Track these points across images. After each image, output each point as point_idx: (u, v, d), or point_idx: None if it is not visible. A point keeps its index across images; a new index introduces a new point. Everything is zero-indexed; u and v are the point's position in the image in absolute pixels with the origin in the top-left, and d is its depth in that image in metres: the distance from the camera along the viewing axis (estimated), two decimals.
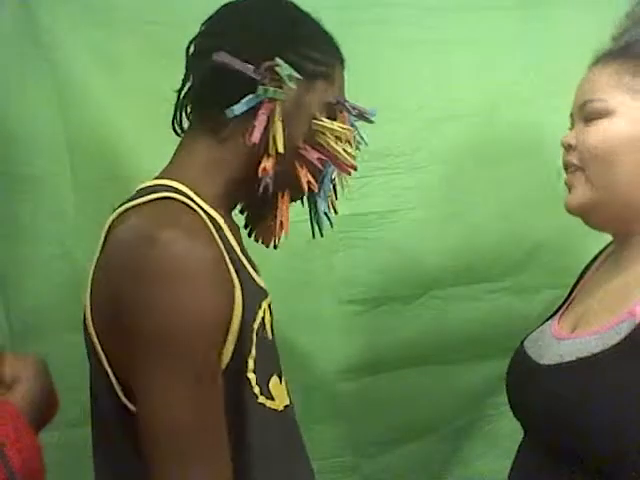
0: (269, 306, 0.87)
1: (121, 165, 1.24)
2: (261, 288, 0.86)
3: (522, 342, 0.95)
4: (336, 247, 1.33)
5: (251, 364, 0.78)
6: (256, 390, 0.80)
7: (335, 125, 0.86)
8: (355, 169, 0.89)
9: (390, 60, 1.24)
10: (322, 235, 0.94)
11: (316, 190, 0.89)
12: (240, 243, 0.86)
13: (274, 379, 0.84)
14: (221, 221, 0.81)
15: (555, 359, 0.83)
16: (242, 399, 0.78)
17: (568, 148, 0.85)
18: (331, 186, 0.93)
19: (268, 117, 0.82)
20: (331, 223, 0.94)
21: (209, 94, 0.85)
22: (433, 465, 1.48)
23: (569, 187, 0.86)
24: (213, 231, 0.76)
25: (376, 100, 1.22)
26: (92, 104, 1.21)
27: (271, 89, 0.81)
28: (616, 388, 0.75)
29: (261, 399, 0.81)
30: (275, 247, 0.93)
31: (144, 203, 0.77)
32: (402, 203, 1.31)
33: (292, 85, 0.81)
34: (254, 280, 0.84)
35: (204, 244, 0.73)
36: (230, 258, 0.78)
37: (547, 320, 0.95)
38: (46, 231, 1.23)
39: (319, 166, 0.86)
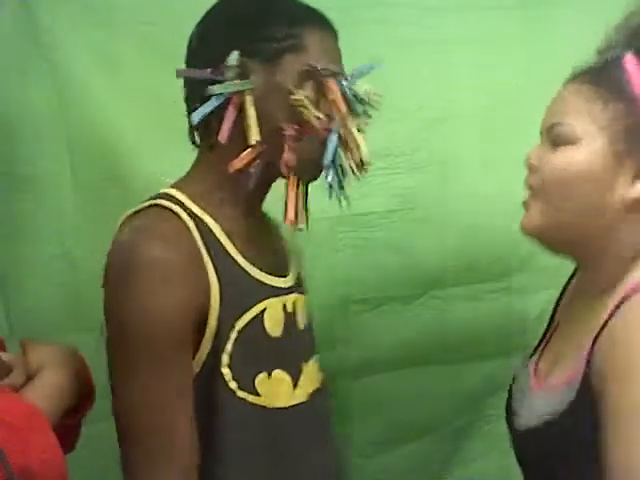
0: (285, 305, 0.92)
1: (121, 165, 1.24)
2: (267, 286, 0.90)
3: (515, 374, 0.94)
4: (336, 247, 1.33)
5: (225, 359, 0.84)
6: (232, 385, 0.84)
7: (310, 92, 0.86)
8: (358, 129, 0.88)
9: (390, 60, 1.24)
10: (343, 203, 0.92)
11: (325, 163, 0.87)
12: (246, 242, 0.89)
13: (262, 376, 0.88)
14: (212, 224, 0.86)
15: (529, 420, 0.83)
16: (216, 393, 0.84)
17: (531, 168, 0.83)
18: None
19: (240, 111, 0.85)
20: (340, 199, 0.92)
21: (189, 108, 0.90)
22: (433, 465, 1.48)
23: (525, 208, 0.84)
24: (194, 234, 0.83)
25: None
26: (92, 104, 1.21)
27: (229, 83, 0.84)
28: (576, 452, 0.77)
29: (241, 394, 0.85)
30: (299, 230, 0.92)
31: (138, 210, 0.87)
32: (402, 203, 1.31)
33: (255, 71, 0.84)
34: (255, 279, 0.88)
35: (168, 247, 0.80)
36: (214, 258, 0.84)
37: (534, 352, 0.94)
38: (46, 231, 1.23)
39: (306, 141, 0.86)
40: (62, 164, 1.22)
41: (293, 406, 0.92)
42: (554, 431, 0.79)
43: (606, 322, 0.73)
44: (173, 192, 0.89)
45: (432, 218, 1.33)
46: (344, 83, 0.88)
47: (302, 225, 0.91)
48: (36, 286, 1.23)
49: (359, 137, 0.88)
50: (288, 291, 0.94)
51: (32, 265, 1.23)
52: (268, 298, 0.90)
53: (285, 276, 0.95)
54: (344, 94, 0.87)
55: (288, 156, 0.85)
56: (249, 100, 0.84)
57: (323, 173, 0.89)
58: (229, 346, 0.84)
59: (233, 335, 0.85)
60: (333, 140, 0.87)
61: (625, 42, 0.78)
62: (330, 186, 0.89)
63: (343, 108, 0.86)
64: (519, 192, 0.94)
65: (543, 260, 1.38)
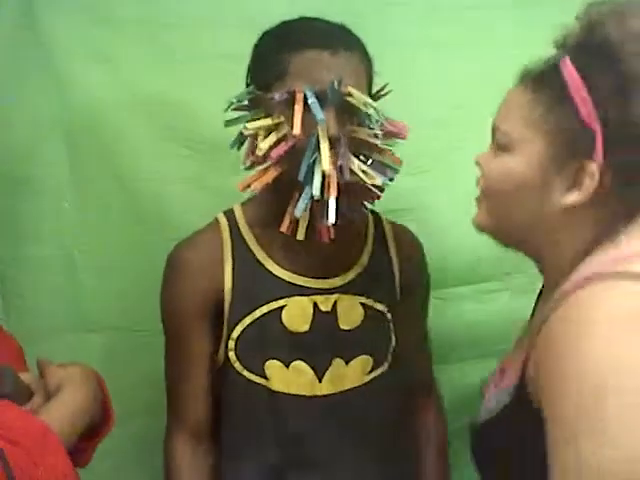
0: (317, 303, 1.03)
1: (121, 165, 1.24)
2: (294, 286, 1.02)
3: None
4: None
5: (231, 344, 1.03)
6: (237, 365, 1.03)
7: (255, 124, 0.93)
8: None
9: (389, 60, 1.24)
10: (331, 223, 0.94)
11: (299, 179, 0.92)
12: (282, 248, 1.03)
13: (275, 363, 1.02)
14: (246, 232, 1.05)
15: (477, 418, 0.84)
16: (227, 373, 1.05)
17: (478, 168, 0.84)
18: (318, 175, 0.91)
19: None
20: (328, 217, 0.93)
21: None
22: None
23: (477, 204, 0.85)
24: (226, 241, 1.03)
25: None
26: (92, 104, 1.21)
27: (244, 114, 0.97)
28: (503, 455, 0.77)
29: (247, 374, 1.03)
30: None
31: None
32: (402, 203, 1.31)
33: (261, 100, 0.93)
34: (279, 278, 1.03)
35: (191, 250, 1.03)
36: (237, 260, 1.03)
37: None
38: (46, 231, 1.23)
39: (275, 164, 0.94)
40: (62, 164, 1.22)
41: (316, 397, 1.03)
42: (487, 431, 0.80)
43: (545, 320, 0.72)
44: (236, 206, 1.08)
45: (432, 218, 1.33)
46: (311, 100, 0.89)
47: (300, 237, 0.96)
48: (36, 286, 1.23)
49: (324, 156, 0.89)
50: (327, 292, 1.03)
51: (32, 265, 1.23)
52: (292, 296, 1.02)
53: (328, 277, 1.04)
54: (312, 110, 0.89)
55: (261, 178, 0.94)
56: (263, 125, 0.94)
57: None
58: (235, 334, 1.02)
59: (241, 326, 1.02)
60: (307, 156, 0.90)
61: (567, 43, 0.76)
62: (307, 200, 0.92)
63: (295, 128, 0.89)
64: None
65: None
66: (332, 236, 0.98)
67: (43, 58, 1.19)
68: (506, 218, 0.80)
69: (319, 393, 1.03)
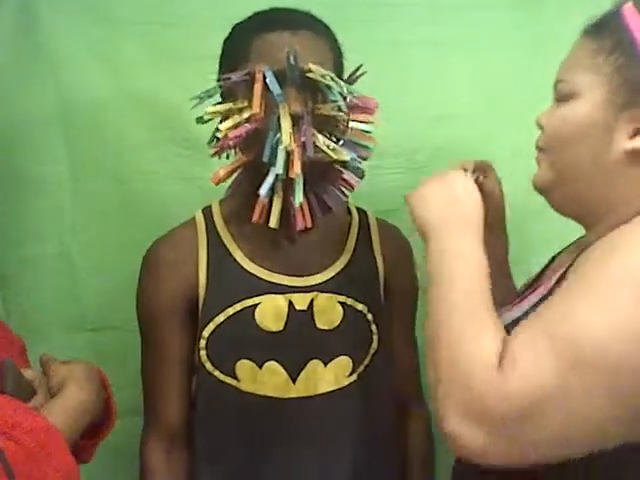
0: (292, 302, 0.99)
1: (120, 165, 1.24)
2: (269, 283, 0.99)
3: None
4: None
5: (202, 343, 1.00)
6: (208, 366, 1.00)
7: (214, 108, 0.93)
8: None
9: (389, 60, 1.24)
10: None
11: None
12: (258, 244, 1.00)
13: (245, 363, 0.98)
14: (221, 227, 1.03)
15: None
16: (199, 373, 1.02)
17: (540, 127, 0.83)
18: (282, 154, 0.89)
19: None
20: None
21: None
22: None
23: (537, 164, 0.84)
24: (201, 237, 1.01)
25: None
26: (92, 104, 1.21)
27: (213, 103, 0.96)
28: None
29: (218, 374, 1.00)
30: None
31: None
32: (402, 203, 1.31)
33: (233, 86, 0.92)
34: (254, 276, 0.99)
35: (166, 247, 1.02)
36: (213, 258, 1.00)
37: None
38: (45, 231, 1.23)
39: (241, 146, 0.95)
40: (61, 164, 1.22)
41: (289, 399, 0.98)
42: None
43: (591, 244, 0.72)
44: (214, 203, 1.06)
45: None
46: (269, 78, 0.88)
47: (273, 224, 0.94)
48: (36, 286, 1.23)
49: (284, 132, 0.88)
50: (304, 290, 0.99)
51: (31, 265, 1.23)
52: (267, 294, 0.98)
53: (305, 275, 1.00)
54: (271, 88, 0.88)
55: (238, 161, 0.94)
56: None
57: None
58: (206, 333, 0.99)
59: (213, 324, 0.99)
60: (269, 136, 0.89)
61: None
62: (273, 181, 0.91)
63: (254, 107, 0.89)
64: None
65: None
66: (308, 224, 0.96)
67: (43, 58, 1.19)
68: (567, 169, 0.79)
69: (292, 395, 0.99)
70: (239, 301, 0.98)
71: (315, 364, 0.99)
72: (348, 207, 1.11)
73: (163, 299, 1.00)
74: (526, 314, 0.73)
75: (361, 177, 1.00)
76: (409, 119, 1.27)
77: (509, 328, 0.70)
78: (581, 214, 0.83)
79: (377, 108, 0.97)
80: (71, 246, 1.24)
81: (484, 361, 0.64)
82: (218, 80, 0.96)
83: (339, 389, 1.00)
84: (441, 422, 0.66)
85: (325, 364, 1.00)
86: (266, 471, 1.00)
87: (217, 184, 0.97)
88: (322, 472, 1.00)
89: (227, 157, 0.99)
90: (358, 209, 1.12)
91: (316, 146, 0.90)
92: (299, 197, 0.91)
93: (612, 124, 0.74)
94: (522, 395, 0.61)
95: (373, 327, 1.04)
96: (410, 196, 0.86)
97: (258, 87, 0.89)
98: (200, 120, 0.95)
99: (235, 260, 1.00)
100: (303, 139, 0.89)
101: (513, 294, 0.93)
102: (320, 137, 0.91)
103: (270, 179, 0.90)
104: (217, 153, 0.96)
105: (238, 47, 0.93)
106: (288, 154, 0.89)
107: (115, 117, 1.23)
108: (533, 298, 0.79)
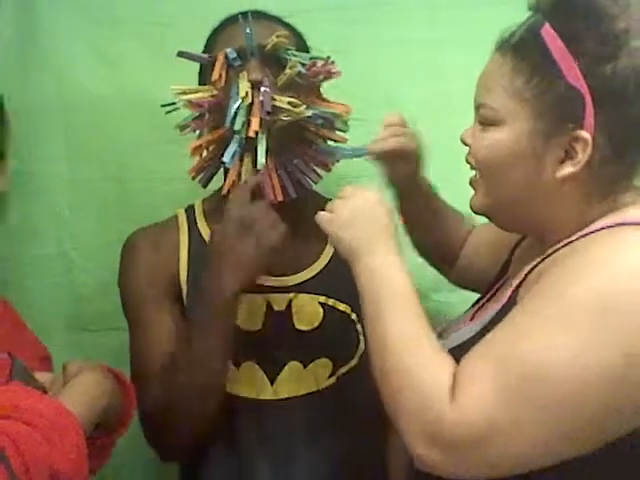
0: (270, 302, 0.97)
1: (120, 165, 1.24)
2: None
3: None
4: None
5: None
6: None
7: (180, 87, 0.98)
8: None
9: (389, 59, 1.24)
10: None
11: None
12: None
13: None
14: (203, 229, 1.03)
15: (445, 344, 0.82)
16: None
17: (466, 145, 0.81)
18: (241, 113, 0.91)
19: None
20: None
21: None
22: None
23: (472, 187, 0.83)
24: (183, 231, 1.03)
25: (374, 99, 1.21)
26: (92, 104, 1.21)
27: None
28: None
29: None
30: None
31: None
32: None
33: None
34: None
35: (147, 238, 1.02)
36: (194, 256, 1.00)
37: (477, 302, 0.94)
38: (44, 231, 1.23)
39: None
40: (60, 164, 1.22)
41: (265, 401, 0.97)
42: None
43: (547, 257, 0.72)
44: (197, 201, 1.08)
45: None
46: (229, 52, 0.93)
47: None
48: (35, 286, 1.23)
49: (242, 88, 0.91)
50: (282, 290, 0.98)
51: (30, 265, 1.23)
52: (244, 293, 0.93)
53: (284, 275, 0.99)
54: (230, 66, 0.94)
55: (204, 138, 0.98)
56: None
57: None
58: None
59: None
60: (231, 103, 0.91)
61: (542, 6, 0.73)
62: (233, 153, 0.92)
63: (215, 75, 0.93)
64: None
65: None
66: (279, 197, 0.95)
67: (43, 58, 1.20)
68: (502, 195, 0.77)
69: (269, 397, 0.97)
70: None
71: (294, 365, 0.98)
72: None
73: (145, 283, 1.00)
74: (480, 334, 0.73)
75: (337, 159, 1.00)
76: (409, 119, 1.26)
77: (464, 347, 0.71)
78: (528, 232, 0.83)
79: (339, 74, 0.99)
80: (69, 246, 1.24)
81: (436, 393, 0.66)
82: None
83: (318, 391, 0.99)
84: (408, 447, 0.68)
85: (305, 366, 0.98)
86: (246, 471, 0.98)
87: (194, 177, 1.02)
88: (301, 473, 0.98)
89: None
90: None
91: (277, 107, 0.91)
92: (262, 156, 0.91)
93: (540, 153, 0.72)
94: (473, 426, 0.63)
95: (359, 327, 1.01)
96: (324, 222, 0.84)
97: (220, 60, 0.93)
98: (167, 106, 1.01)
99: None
100: (261, 98, 0.90)
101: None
102: (284, 99, 0.92)
103: (234, 144, 0.91)
104: (185, 127, 1.00)
105: (207, 49, 1.00)
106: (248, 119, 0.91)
107: (115, 117, 1.23)
108: (487, 314, 0.78)
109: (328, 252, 1.03)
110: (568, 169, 0.71)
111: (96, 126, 1.22)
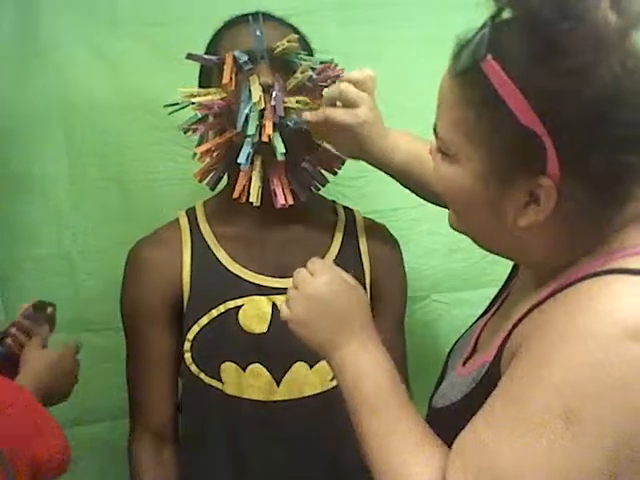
0: (276, 304, 0.96)
1: (120, 165, 1.24)
2: (253, 285, 0.98)
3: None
4: None
5: (187, 345, 1.00)
6: (192, 368, 1.00)
7: (188, 90, 0.98)
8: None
9: (389, 59, 1.23)
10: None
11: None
12: (243, 246, 1.01)
13: (230, 365, 0.98)
14: (205, 230, 1.03)
15: (437, 400, 0.77)
16: (184, 375, 1.02)
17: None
18: (254, 117, 0.92)
19: None
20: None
21: None
22: None
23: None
24: (185, 238, 1.02)
25: (375, 99, 1.21)
26: (92, 104, 1.21)
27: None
28: None
29: (203, 377, 0.99)
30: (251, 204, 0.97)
31: None
32: (405, 202, 1.30)
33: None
34: (238, 277, 0.99)
35: (151, 248, 1.02)
36: (197, 260, 1.00)
37: (484, 313, 0.86)
38: (44, 231, 1.23)
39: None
40: (60, 164, 1.22)
41: (272, 402, 0.98)
42: (444, 418, 0.73)
43: (532, 308, 0.64)
44: (198, 204, 1.07)
45: (434, 216, 1.32)
46: (238, 55, 0.93)
47: (253, 199, 0.95)
48: (35, 286, 1.23)
49: (254, 93, 0.91)
50: (266, 290, 0.99)
51: (31, 265, 1.23)
52: (250, 295, 0.98)
53: (289, 277, 0.95)
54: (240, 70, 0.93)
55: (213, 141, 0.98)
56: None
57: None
58: (191, 335, 0.99)
59: (197, 326, 0.99)
60: (242, 106, 0.92)
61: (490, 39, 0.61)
62: (247, 156, 0.92)
63: (225, 77, 0.93)
64: None
65: None
66: (289, 201, 0.95)
67: (43, 58, 1.19)
68: (471, 229, 0.70)
69: (276, 398, 0.98)
70: (222, 303, 0.98)
71: (300, 367, 0.99)
72: (335, 207, 1.11)
73: (147, 300, 1.00)
74: (467, 400, 0.69)
75: (342, 162, 1.01)
76: (409, 119, 1.26)
77: (452, 410, 0.69)
78: (510, 258, 0.75)
79: (342, 72, 0.99)
80: (71, 246, 1.24)
81: None
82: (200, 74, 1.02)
83: (323, 392, 0.99)
84: None
85: (311, 367, 0.99)
86: (251, 473, 0.99)
87: (200, 180, 1.02)
88: (306, 474, 0.99)
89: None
90: (345, 208, 1.11)
91: (287, 107, 0.92)
92: (280, 148, 0.92)
93: (497, 200, 0.62)
94: None
95: None
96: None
97: (229, 63, 0.93)
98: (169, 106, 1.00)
99: (218, 261, 1.00)
100: (273, 103, 0.91)
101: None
102: (292, 99, 0.93)
103: (247, 147, 0.92)
104: (189, 129, 0.99)
105: (211, 50, 0.99)
106: (261, 123, 0.91)
107: (115, 117, 1.23)
108: (475, 371, 0.71)
109: (332, 254, 1.04)
110: (531, 217, 0.61)
111: (96, 126, 1.22)
